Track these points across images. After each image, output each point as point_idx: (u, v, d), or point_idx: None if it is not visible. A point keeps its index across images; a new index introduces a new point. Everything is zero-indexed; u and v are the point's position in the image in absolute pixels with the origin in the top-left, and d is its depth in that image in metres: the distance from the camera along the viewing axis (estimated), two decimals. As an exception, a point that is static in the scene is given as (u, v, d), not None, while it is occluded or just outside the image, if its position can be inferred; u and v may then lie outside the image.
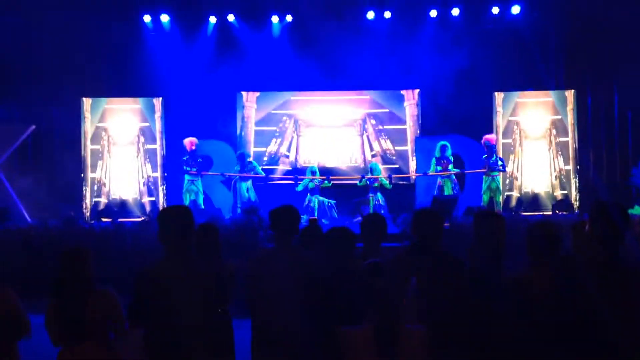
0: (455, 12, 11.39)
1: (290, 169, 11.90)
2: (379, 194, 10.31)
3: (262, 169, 11.41)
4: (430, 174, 10.33)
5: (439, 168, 10.18)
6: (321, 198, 10.36)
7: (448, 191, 10.06)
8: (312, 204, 10.17)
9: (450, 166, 10.19)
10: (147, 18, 11.50)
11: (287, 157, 12.06)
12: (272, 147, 12.13)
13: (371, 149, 12.09)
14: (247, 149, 11.79)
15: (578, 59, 11.30)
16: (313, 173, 10.58)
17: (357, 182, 10.55)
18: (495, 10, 11.35)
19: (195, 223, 3.20)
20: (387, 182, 10.43)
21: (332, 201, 10.42)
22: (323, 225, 8.65)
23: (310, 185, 10.40)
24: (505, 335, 2.90)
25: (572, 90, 10.63)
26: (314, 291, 3.26)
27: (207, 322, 3.07)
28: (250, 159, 11.03)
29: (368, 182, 10.38)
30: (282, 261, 3.54)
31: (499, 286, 3.09)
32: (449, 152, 10.22)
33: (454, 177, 10.23)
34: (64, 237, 8.15)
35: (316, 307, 3.19)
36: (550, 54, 11.65)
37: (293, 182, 10.82)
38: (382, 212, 9.81)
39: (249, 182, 10.61)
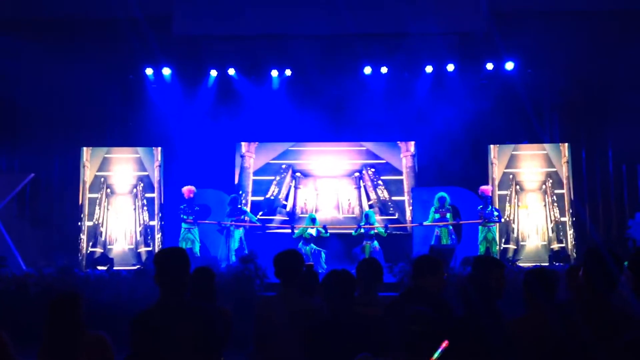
0: (451, 67, 11.65)
1: (287, 218, 11.94)
2: (375, 242, 10.34)
3: (260, 219, 11.45)
4: (427, 224, 10.40)
5: (436, 216, 10.27)
6: (314, 247, 10.38)
7: (446, 241, 10.11)
8: (304, 251, 10.15)
9: (448, 215, 10.27)
10: (149, 71, 11.76)
11: (285, 206, 12.11)
12: (269, 197, 12.21)
13: (368, 199, 12.17)
14: (244, 198, 11.85)
15: (572, 113, 11.51)
16: (313, 221, 10.61)
17: (352, 231, 10.60)
18: (490, 66, 11.61)
19: (191, 267, 3.22)
20: (383, 229, 10.50)
21: (323, 251, 10.42)
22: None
23: (306, 235, 10.42)
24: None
25: (566, 144, 10.77)
26: (316, 335, 3.25)
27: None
28: (243, 207, 11.08)
29: (363, 231, 10.43)
30: (288, 306, 3.55)
31: (494, 331, 3.10)
32: (447, 203, 10.31)
33: (451, 227, 10.28)
34: (59, 285, 8.10)
35: (318, 351, 3.18)
36: (545, 108, 11.87)
37: (290, 230, 10.85)
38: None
39: (242, 230, 10.62)
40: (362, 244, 10.39)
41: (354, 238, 10.59)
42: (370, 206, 12.02)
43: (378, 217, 11.36)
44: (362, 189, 12.23)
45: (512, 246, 10.50)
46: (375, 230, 10.47)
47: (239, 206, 10.78)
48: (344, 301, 3.31)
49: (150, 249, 10.45)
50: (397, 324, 2.70)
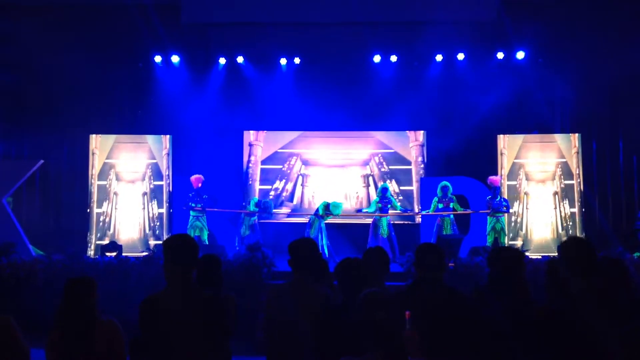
0: (461, 56, 11.55)
1: (290, 211, 11.95)
2: (388, 217, 10.46)
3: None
4: (431, 213, 10.37)
5: (440, 205, 10.24)
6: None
7: (447, 231, 10.08)
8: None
9: (452, 204, 10.26)
10: (157, 58, 11.74)
11: (292, 196, 12.11)
12: (277, 186, 12.20)
13: (376, 189, 12.13)
14: (253, 187, 11.88)
15: (582, 103, 11.39)
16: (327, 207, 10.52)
17: (367, 208, 10.87)
18: (500, 55, 11.51)
19: (198, 253, 3.22)
20: (399, 205, 10.86)
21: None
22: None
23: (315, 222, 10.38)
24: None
25: (577, 134, 10.69)
26: (326, 322, 3.25)
27: (207, 354, 3.05)
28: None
29: (380, 206, 10.49)
30: (299, 293, 3.56)
31: (524, 321, 3.04)
32: (450, 192, 10.28)
33: (452, 217, 10.24)
34: (68, 271, 8.14)
35: (328, 339, 3.17)
36: (555, 98, 11.75)
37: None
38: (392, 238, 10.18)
39: (256, 217, 10.64)
40: (379, 219, 10.39)
41: (362, 229, 10.55)
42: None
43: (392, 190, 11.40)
44: (371, 178, 12.20)
45: (520, 237, 10.47)
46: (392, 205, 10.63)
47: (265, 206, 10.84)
48: (355, 289, 3.30)
49: (159, 242, 10.47)
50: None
